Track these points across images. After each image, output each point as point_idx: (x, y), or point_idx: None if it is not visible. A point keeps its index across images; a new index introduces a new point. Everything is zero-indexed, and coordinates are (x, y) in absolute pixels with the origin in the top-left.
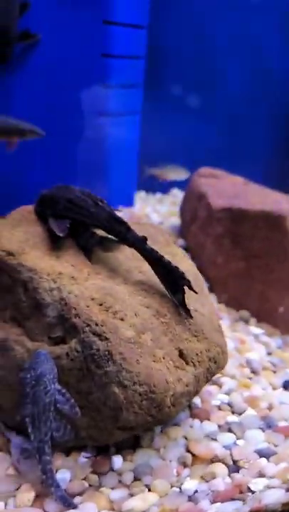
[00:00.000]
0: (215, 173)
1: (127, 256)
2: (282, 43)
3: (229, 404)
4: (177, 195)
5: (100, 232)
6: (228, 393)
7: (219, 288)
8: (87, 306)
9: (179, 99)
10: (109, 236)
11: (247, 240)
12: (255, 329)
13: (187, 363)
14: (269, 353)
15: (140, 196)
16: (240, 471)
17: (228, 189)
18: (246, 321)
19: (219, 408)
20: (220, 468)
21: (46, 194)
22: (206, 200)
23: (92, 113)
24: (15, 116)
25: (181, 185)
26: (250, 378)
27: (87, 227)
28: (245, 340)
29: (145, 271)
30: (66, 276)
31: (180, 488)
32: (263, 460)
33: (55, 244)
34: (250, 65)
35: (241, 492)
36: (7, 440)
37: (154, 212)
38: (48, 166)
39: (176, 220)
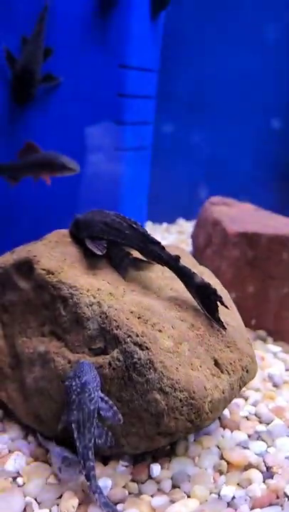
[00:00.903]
0: (225, 201)
1: (157, 275)
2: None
3: (256, 415)
4: (182, 224)
5: (134, 253)
6: (254, 405)
7: (236, 309)
8: (127, 319)
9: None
10: (141, 257)
11: (262, 262)
12: (273, 347)
13: (222, 372)
14: (287, 369)
15: (148, 226)
16: (274, 477)
17: (241, 215)
18: (264, 340)
19: (247, 419)
20: (255, 475)
21: (81, 218)
22: (221, 226)
23: (108, 148)
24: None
25: (185, 215)
26: (272, 391)
27: (121, 248)
28: (265, 357)
29: (176, 288)
30: (104, 292)
31: (219, 495)
32: None
33: (92, 262)
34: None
35: (278, 497)
36: (46, 451)
37: (162, 240)
38: (66, 197)
39: (185, 247)
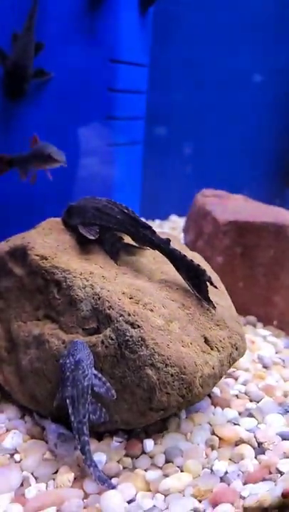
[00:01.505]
0: (217, 193)
1: (148, 260)
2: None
3: (246, 394)
4: (175, 220)
5: (126, 239)
6: (244, 384)
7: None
8: (119, 299)
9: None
10: (133, 242)
11: (252, 249)
12: (263, 331)
13: (212, 349)
14: (277, 352)
15: None
16: (266, 453)
17: (231, 205)
18: (254, 325)
19: (237, 397)
20: (246, 450)
21: (74, 205)
22: (212, 215)
23: (99, 143)
24: (27, 143)
25: (178, 211)
26: (262, 372)
27: (113, 233)
28: (255, 341)
29: (167, 271)
30: (97, 276)
31: (211, 470)
32: (287, 442)
33: (84, 248)
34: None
35: (270, 473)
36: (42, 428)
37: None
38: (59, 189)
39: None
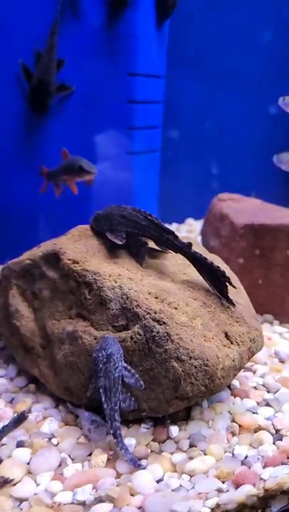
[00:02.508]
0: (233, 196)
1: (171, 262)
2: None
3: (264, 385)
4: (192, 223)
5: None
6: (262, 376)
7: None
8: (146, 299)
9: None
10: (156, 247)
11: (269, 251)
12: (280, 328)
13: (232, 343)
14: None
15: None
16: (283, 439)
17: (248, 209)
18: (271, 323)
19: (256, 388)
20: (265, 436)
21: (101, 213)
22: (229, 219)
23: (120, 152)
24: (52, 155)
25: (194, 215)
26: (279, 365)
27: (138, 239)
28: (272, 337)
29: (189, 273)
30: (125, 277)
31: (232, 453)
32: None
33: (112, 252)
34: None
35: (288, 457)
36: (75, 416)
37: None
38: (82, 199)
39: None
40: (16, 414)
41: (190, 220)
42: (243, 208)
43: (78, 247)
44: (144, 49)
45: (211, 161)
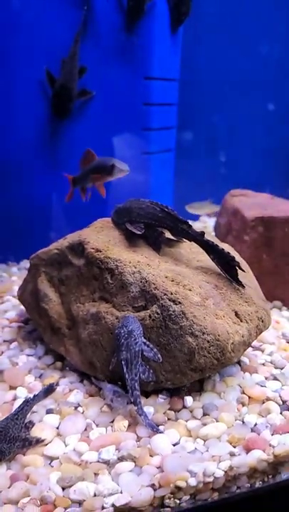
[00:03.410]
0: (244, 192)
1: (186, 250)
2: None
3: (272, 362)
4: (206, 220)
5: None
6: (270, 355)
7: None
8: (163, 282)
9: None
10: (172, 237)
11: (277, 242)
12: (287, 313)
13: (241, 321)
14: None
15: None
16: None
17: (258, 203)
18: (279, 308)
19: (264, 365)
20: (273, 406)
21: (121, 206)
22: (241, 213)
23: (137, 153)
24: (74, 157)
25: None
26: (286, 345)
27: (155, 229)
28: (280, 321)
29: (202, 260)
30: (143, 264)
31: (243, 421)
32: None
33: (132, 242)
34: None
35: None
36: (98, 389)
37: None
38: (101, 197)
39: None
40: (45, 386)
41: (204, 218)
42: (254, 203)
43: (101, 237)
44: (159, 54)
45: (224, 159)
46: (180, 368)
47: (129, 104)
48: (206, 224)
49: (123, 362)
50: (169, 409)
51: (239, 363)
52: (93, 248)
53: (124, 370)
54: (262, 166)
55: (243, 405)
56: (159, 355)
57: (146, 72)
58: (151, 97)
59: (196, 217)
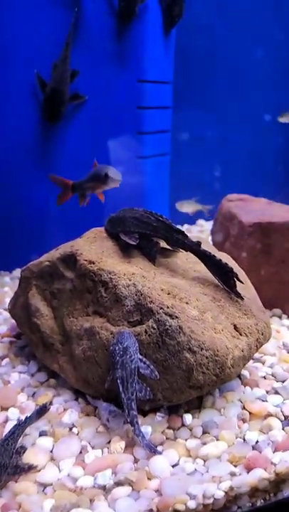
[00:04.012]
0: (241, 197)
1: (182, 260)
2: None
3: (273, 375)
4: (203, 224)
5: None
6: (271, 367)
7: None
8: (159, 295)
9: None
10: (168, 246)
11: (276, 248)
12: (288, 321)
13: (241, 334)
14: None
15: None
16: None
17: (255, 208)
18: (279, 317)
19: (265, 378)
20: (274, 422)
21: (115, 215)
22: (238, 218)
23: (131, 157)
24: (66, 161)
25: (205, 216)
26: (287, 356)
27: (150, 239)
28: (280, 330)
29: (199, 270)
30: (138, 276)
31: (244, 439)
32: None
33: (126, 253)
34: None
35: None
36: (94, 408)
37: None
38: (96, 203)
39: None
40: (38, 406)
41: (201, 221)
42: (251, 208)
43: (94, 248)
44: (152, 57)
45: (220, 163)
46: (178, 385)
47: (122, 108)
48: (202, 228)
49: (118, 380)
50: (168, 427)
51: (239, 376)
52: (86, 260)
53: (120, 389)
54: (261, 170)
55: (244, 422)
56: (156, 373)
57: (139, 75)
58: (145, 100)
59: (192, 221)
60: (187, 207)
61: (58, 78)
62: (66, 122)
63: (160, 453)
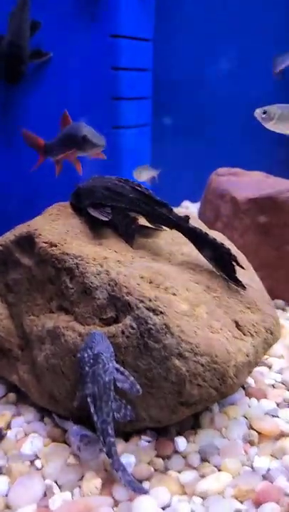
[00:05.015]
0: (233, 171)
1: (166, 241)
2: None
3: (283, 383)
4: (188, 206)
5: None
6: (280, 372)
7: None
8: (138, 284)
9: None
10: (148, 224)
11: (277, 228)
12: None
13: (245, 334)
14: None
15: None
16: None
17: (251, 183)
18: (283, 309)
19: (274, 387)
20: None
21: (82, 186)
22: (230, 195)
23: (104, 126)
24: (28, 129)
25: (191, 197)
26: None
27: (126, 214)
28: (285, 326)
29: (187, 252)
30: (112, 260)
31: (252, 467)
32: None
33: (96, 232)
34: None
35: None
36: (63, 431)
37: None
38: (63, 178)
39: None
40: None
41: (186, 203)
42: (246, 182)
43: (56, 227)
44: (128, 8)
45: (206, 138)
46: (167, 401)
47: (94, 68)
48: (189, 210)
49: (89, 398)
50: (156, 456)
51: (243, 385)
52: (46, 242)
53: (92, 409)
54: (250, 144)
55: (252, 444)
56: (138, 386)
57: (112, 28)
58: (120, 59)
59: (176, 203)
60: (145, 174)
61: (16, 30)
62: (27, 85)
63: (146, 492)
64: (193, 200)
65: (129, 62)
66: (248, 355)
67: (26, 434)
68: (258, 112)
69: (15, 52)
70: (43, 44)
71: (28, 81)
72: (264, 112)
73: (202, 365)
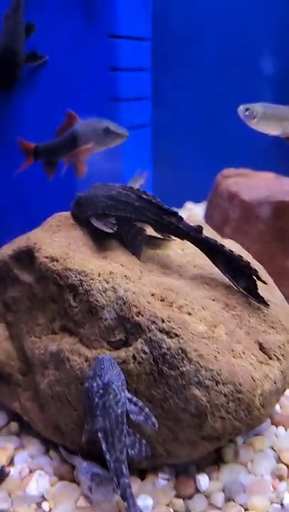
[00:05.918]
0: (241, 172)
1: (176, 252)
2: None
3: None
4: (192, 207)
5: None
6: None
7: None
8: (149, 303)
9: None
10: (157, 234)
11: None
12: None
13: (270, 358)
14: None
15: None
16: None
17: (261, 184)
18: None
19: None
20: None
21: (84, 195)
22: (240, 197)
23: None
24: (25, 135)
25: (194, 198)
26: None
27: (132, 224)
28: None
29: (200, 265)
30: (119, 276)
31: (282, 504)
32: None
33: (100, 244)
34: None
35: None
36: (71, 467)
37: None
38: (67, 183)
39: None
40: None
41: (189, 204)
42: (256, 184)
43: (57, 240)
44: (126, 8)
45: (209, 136)
46: (186, 435)
47: (91, 70)
48: (192, 212)
49: (100, 434)
50: (176, 496)
51: None
52: (47, 256)
53: (104, 446)
54: (255, 143)
55: (281, 480)
56: (153, 419)
57: (110, 28)
58: (118, 59)
59: (178, 204)
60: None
61: (10, 33)
62: (22, 89)
63: None
64: (197, 201)
65: (127, 62)
66: (275, 382)
67: (31, 471)
68: (241, 109)
69: (9, 58)
70: (40, 46)
71: (24, 83)
72: (247, 109)
73: (225, 394)
